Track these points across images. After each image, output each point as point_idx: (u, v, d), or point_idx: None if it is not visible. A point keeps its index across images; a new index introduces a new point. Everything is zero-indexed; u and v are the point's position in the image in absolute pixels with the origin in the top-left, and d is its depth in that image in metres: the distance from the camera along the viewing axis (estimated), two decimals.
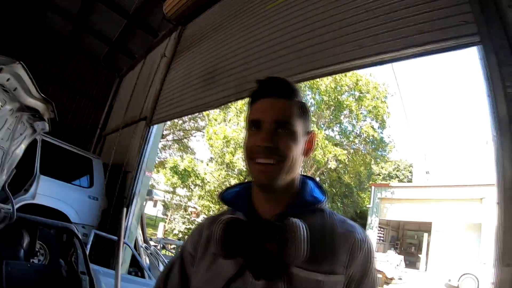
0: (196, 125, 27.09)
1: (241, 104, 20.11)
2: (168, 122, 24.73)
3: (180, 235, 23.11)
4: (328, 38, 4.08)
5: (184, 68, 7.37)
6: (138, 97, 9.45)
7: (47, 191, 6.45)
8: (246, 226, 1.06)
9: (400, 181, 33.63)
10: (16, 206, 4.51)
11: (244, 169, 21.59)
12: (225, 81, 5.68)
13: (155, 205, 37.59)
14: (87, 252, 5.00)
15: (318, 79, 19.66)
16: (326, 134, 21.41)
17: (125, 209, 3.59)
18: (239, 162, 20.76)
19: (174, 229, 24.40)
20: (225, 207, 1.29)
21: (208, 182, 21.91)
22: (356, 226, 1.15)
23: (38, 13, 10.76)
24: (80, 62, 12.57)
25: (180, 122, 26.18)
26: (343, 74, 19.83)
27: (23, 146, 3.79)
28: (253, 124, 1.10)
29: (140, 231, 8.55)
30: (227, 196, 1.26)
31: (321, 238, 1.06)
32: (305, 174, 1.26)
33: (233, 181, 21.85)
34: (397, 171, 36.30)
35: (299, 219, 1.02)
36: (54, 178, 6.74)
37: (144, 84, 9.27)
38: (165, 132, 25.53)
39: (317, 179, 24.13)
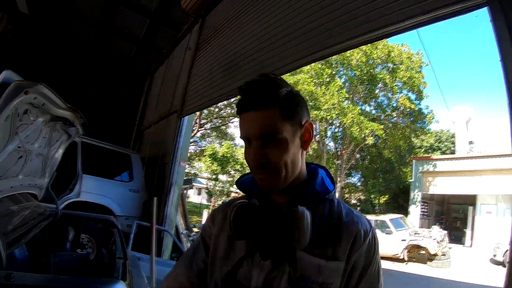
0: (232, 111, 27.30)
1: None
2: (205, 111, 25.17)
3: None
4: (339, 14, 3.97)
5: (208, 58, 7.48)
6: (168, 91, 9.76)
7: (90, 189, 6.98)
8: (256, 211, 1.14)
9: (443, 153, 31.69)
10: (62, 205, 5.00)
11: None
12: (248, 66, 5.63)
13: (199, 193, 38.33)
14: (130, 241, 5.47)
15: (348, 54, 19.41)
16: (362, 110, 21.09)
17: (155, 198, 3.90)
18: None
19: None
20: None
21: (247, 166, 21.95)
22: (362, 217, 1.19)
23: (66, 24, 11.30)
24: (113, 64, 13.13)
25: (217, 109, 26.43)
26: (373, 47, 19.45)
27: (61, 151, 4.20)
28: (244, 140, 1.14)
29: (180, 219, 8.98)
30: (243, 182, 1.34)
31: (327, 226, 1.14)
32: (316, 163, 1.33)
33: None
34: (439, 142, 34.41)
35: (306, 207, 1.07)
36: (96, 176, 7.27)
37: (173, 78, 9.53)
38: (203, 121, 25.94)
39: (357, 155, 24.05)
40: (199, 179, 34.28)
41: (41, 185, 4.10)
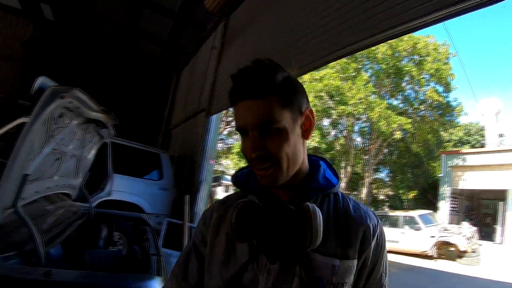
0: None
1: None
2: (231, 109, 25.03)
3: None
4: (364, 9, 3.86)
5: (234, 56, 7.49)
6: (195, 90, 9.86)
7: (121, 187, 7.16)
8: (261, 210, 1.05)
9: (472, 146, 31.02)
10: (94, 204, 5.15)
11: (311, 147, 21.70)
12: (277, 61, 5.66)
13: (227, 190, 38.52)
14: (161, 238, 5.59)
15: (373, 47, 19.14)
16: (389, 104, 20.78)
17: (187, 196, 3.99)
18: None
19: None
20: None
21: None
22: (370, 211, 1.15)
23: (91, 29, 11.57)
24: (139, 66, 13.42)
25: None
26: (398, 39, 19.11)
27: (93, 152, 4.36)
28: (240, 131, 1.06)
29: None
30: (238, 178, 1.25)
31: (336, 223, 1.09)
32: (316, 155, 1.26)
33: None
34: (468, 136, 33.78)
35: (314, 204, 1.02)
36: (127, 175, 7.44)
37: (199, 77, 9.63)
38: (229, 119, 26.05)
39: (385, 150, 23.72)
40: (226, 176, 34.49)
41: (75, 185, 4.26)
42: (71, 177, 4.05)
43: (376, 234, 1.12)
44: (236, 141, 28.36)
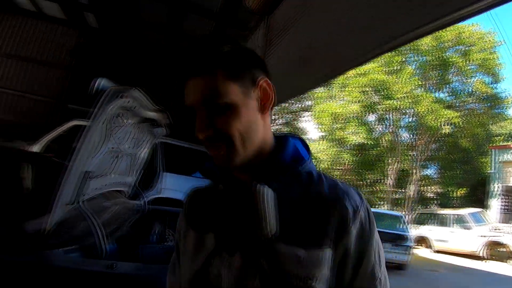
0: (302, 105, 27.09)
1: (342, 79, 19.83)
2: (276, 107, 24.94)
3: None
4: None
5: (279, 54, 7.45)
6: None
7: (171, 185, 7.36)
8: (212, 195, 1.00)
9: None
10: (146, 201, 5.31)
11: (357, 144, 21.46)
12: (322, 59, 5.57)
13: None
14: None
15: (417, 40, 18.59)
16: (436, 97, 20.22)
17: None
18: (350, 137, 20.64)
19: None
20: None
21: (322, 160, 21.88)
22: (351, 191, 0.97)
23: (135, 34, 11.92)
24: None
25: (287, 104, 26.39)
26: (442, 30, 18.50)
27: (146, 150, 4.50)
28: (191, 114, 0.97)
29: None
30: (205, 166, 1.09)
31: (305, 206, 0.93)
32: (289, 132, 1.05)
33: (346, 157, 21.88)
34: None
35: (265, 184, 0.91)
36: (176, 173, 7.64)
37: None
38: (274, 117, 26.09)
39: (432, 146, 22.99)
40: None
41: (130, 182, 4.42)
42: (126, 175, 4.21)
43: (359, 218, 0.92)
44: None
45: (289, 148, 1.01)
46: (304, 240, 0.89)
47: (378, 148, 22.42)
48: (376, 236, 0.95)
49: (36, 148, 7.01)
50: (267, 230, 0.86)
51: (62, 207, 2.64)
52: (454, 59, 19.60)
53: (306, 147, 1.08)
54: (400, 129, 22.30)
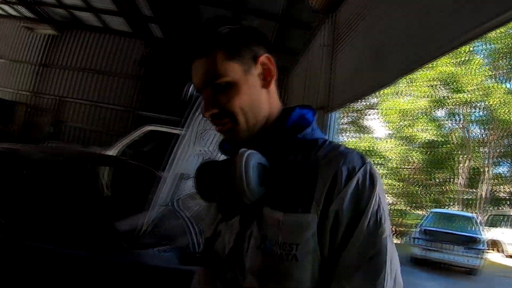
0: (367, 103, 26.62)
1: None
2: (342, 107, 24.56)
3: None
4: None
5: (349, 52, 7.33)
6: (309, 89, 9.85)
7: None
8: (215, 167, 1.02)
9: None
10: None
11: (426, 141, 20.76)
12: (396, 55, 5.40)
13: None
14: None
15: None
16: (508, 88, 19.01)
17: None
18: (419, 134, 20.04)
19: None
20: None
21: (390, 159, 21.41)
22: (351, 153, 0.90)
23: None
24: None
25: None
26: None
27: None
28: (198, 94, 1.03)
29: None
30: (222, 143, 1.16)
31: (297, 171, 0.91)
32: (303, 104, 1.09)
33: (415, 155, 21.27)
34: None
35: (250, 149, 0.91)
36: None
37: (312, 76, 9.60)
38: (340, 115, 25.85)
39: (505, 141, 21.70)
40: None
41: None
42: None
43: (354, 181, 0.84)
44: (347, 139, 28.05)
45: (291, 118, 1.02)
46: (285, 204, 0.87)
47: (448, 145, 21.46)
48: (374, 203, 0.84)
49: (111, 152, 7.39)
50: (248, 194, 0.86)
51: (157, 207, 2.76)
52: None
53: (312, 111, 1.08)
54: (470, 124, 21.30)
